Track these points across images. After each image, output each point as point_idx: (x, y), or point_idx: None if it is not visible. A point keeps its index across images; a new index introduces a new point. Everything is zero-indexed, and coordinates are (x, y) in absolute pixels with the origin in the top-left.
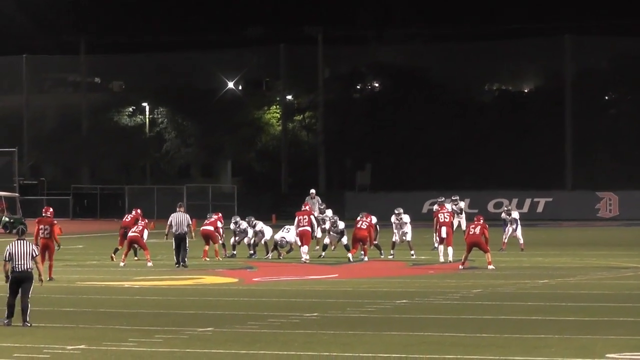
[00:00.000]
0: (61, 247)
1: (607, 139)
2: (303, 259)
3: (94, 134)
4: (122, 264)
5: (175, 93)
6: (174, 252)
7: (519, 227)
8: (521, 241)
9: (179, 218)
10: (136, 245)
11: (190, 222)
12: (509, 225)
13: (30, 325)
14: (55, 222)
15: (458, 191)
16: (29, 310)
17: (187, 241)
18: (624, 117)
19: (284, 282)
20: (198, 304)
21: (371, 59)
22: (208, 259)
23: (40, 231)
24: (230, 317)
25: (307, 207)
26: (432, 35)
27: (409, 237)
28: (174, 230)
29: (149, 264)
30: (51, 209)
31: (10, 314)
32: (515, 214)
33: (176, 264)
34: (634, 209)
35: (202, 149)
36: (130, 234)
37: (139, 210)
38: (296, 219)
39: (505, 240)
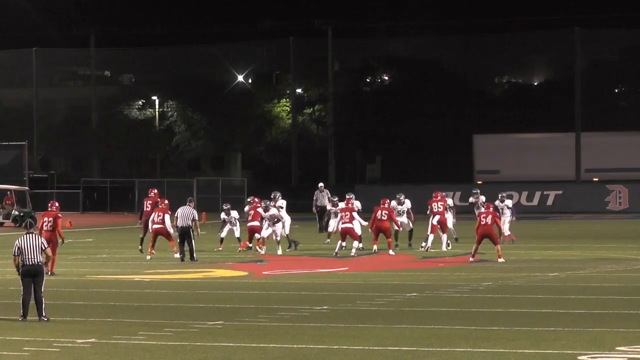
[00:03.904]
0: (65, 241)
1: (617, 132)
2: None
3: (104, 128)
4: (148, 257)
5: (185, 86)
6: (179, 246)
7: (513, 216)
8: (507, 233)
9: (185, 211)
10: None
11: (196, 217)
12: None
13: (48, 319)
14: (60, 216)
15: (468, 184)
16: (43, 305)
17: (191, 235)
18: (634, 109)
19: (294, 276)
20: (208, 298)
21: (381, 52)
22: (257, 250)
23: (44, 224)
24: (240, 311)
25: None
26: (441, 28)
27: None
28: (178, 223)
29: (176, 255)
30: (57, 204)
31: (25, 313)
32: (509, 202)
33: (181, 258)
34: None
35: (212, 142)
36: (154, 226)
37: (155, 191)
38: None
39: (507, 232)
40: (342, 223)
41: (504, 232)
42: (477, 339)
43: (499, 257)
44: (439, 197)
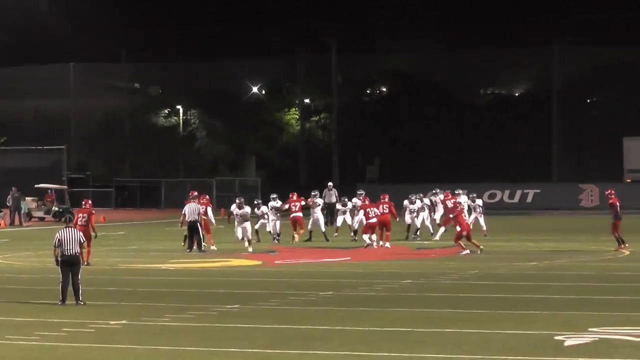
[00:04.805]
0: (97, 235)
1: (589, 137)
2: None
3: (134, 133)
4: (213, 247)
5: (206, 97)
6: (187, 238)
7: (482, 214)
8: (484, 228)
9: (192, 208)
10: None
11: (201, 211)
12: (472, 211)
13: (84, 303)
14: (94, 212)
15: (457, 184)
16: (80, 291)
17: (199, 229)
18: (605, 118)
19: (302, 265)
20: (226, 284)
21: (380, 67)
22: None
23: (79, 219)
24: (254, 296)
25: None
26: (434, 46)
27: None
28: (187, 218)
29: (212, 247)
30: (90, 201)
31: (64, 297)
32: (479, 201)
33: (188, 249)
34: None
35: (229, 146)
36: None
37: (195, 193)
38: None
39: (484, 226)
40: (374, 216)
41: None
42: (464, 320)
43: (465, 248)
44: (450, 196)
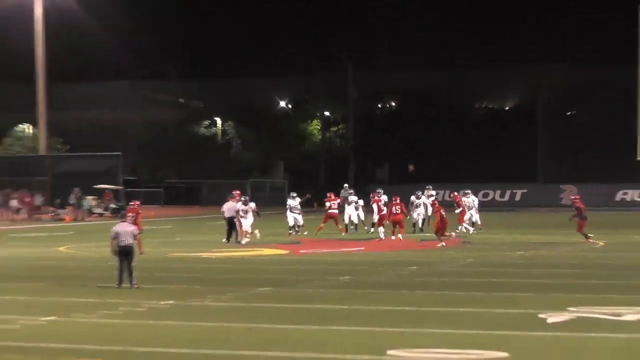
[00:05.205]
0: (143, 230)
1: (570, 145)
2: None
3: (179, 142)
4: (246, 238)
5: (240, 110)
6: (226, 231)
7: (478, 211)
8: (479, 222)
9: (229, 205)
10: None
11: (240, 208)
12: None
13: (138, 287)
14: (140, 211)
15: (456, 184)
16: (134, 275)
17: (235, 224)
18: (583, 128)
19: (324, 254)
20: (259, 270)
21: (389, 84)
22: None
23: (128, 218)
24: (283, 280)
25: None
26: (436, 65)
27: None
28: (225, 215)
29: (246, 239)
30: (138, 202)
31: (120, 280)
32: (475, 199)
33: (226, 241)
34: (590, 198)
35: (260, 152)
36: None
37: (237, 191)
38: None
39: (479, 221)
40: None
41: (477, 222)
42: (461, 301)
43: (442, 241)
44: (458, 196)
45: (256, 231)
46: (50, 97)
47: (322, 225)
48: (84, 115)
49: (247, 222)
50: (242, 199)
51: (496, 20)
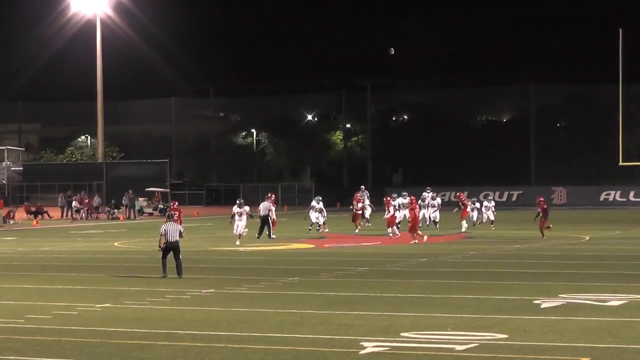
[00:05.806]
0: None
1: (559, 152)
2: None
3: (219, 150)
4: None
5: (273, 123)
6: (259, 228)
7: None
8: (492, 217)
9: (264, 205)
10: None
11: (271, 208)
12: (483, 210)
13: (182, 277)
14: (181, 210)
15: (460, 187)
16: (182, 267)
17: (269, 221)
18: (571, 138)
19: (345, 247)
20: (288, 262)
21: (402, 100)
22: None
23: (175, 218)
24: (309, 271)
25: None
26: (442, 84)
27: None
28: (260, 213)
29: (273, 236)
30: (177, 203)
31: (165, 271)
32: (488, 203)
33: (258, 236)
34: (577, 199)
35: (290, 159)
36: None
37: (271, 194)
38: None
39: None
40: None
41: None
42: (465, 288)
43: (415, 238)
44: (464, 197)
45: (244, 232)
46: (107, 111)
47: (358, 222)
48: (138, 127)
49: (241, 224)
50: (238, 201)
51: (494, 43)
